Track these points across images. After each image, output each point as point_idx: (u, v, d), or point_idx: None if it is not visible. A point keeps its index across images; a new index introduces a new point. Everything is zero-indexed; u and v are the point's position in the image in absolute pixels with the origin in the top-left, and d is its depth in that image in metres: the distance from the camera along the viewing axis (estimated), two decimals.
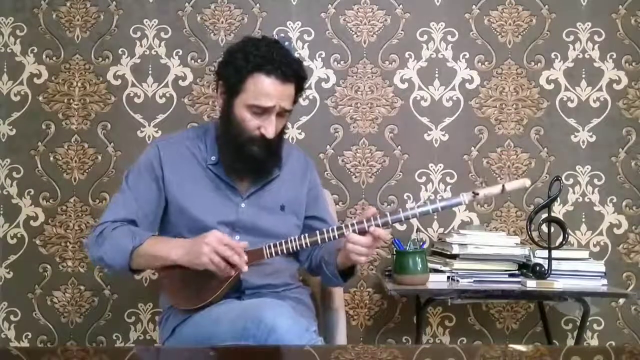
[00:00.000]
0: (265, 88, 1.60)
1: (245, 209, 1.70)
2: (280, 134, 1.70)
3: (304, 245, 1.58)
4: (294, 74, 1.64)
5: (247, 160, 1.65)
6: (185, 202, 1.68)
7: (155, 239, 1.64)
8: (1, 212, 2.30)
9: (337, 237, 1.56)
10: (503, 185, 1.53)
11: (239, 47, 1.66)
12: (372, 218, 1.54)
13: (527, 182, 1.58)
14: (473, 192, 1.53)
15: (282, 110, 1.64)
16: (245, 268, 1.53)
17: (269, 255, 1.59)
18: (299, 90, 1.69)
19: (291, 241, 1.58)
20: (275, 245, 1.58)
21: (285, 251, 1.59)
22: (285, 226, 1.73)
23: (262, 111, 1.62)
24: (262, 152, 1.64)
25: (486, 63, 2.35)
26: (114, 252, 1.61)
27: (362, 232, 1.54)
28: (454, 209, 2.31)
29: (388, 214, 1.55)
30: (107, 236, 1.63)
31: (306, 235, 1.59)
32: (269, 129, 1.62)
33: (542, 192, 2.28)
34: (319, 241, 1.57)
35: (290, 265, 1.78)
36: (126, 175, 1.74)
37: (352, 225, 1.54)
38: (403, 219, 1.56)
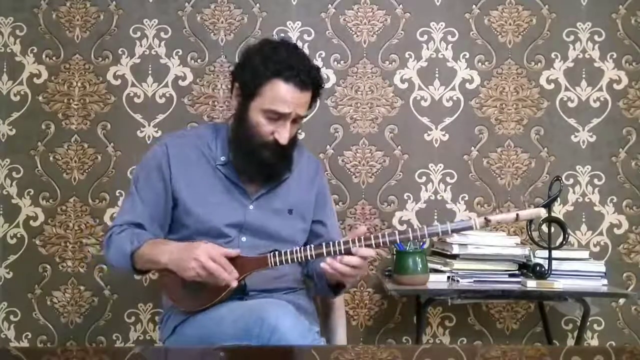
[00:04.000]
0: (283, 94, 1.59)
1: (253, 211, 1.69)
2: (294, 138, 1.69)
3: (309, 257, 1.55)
4: (312, 81, 1.63)
5: (258, 164, 1.65)
6: (193, 202, 1.67)
7: (153, 242, 1.63)
8: (1, 212, 2.30)
9: (342, 251, 1.53)
10: (517, 214, 1.54)
11: (257, 50, 1.65)
12: (380, 235, 1.52)
13: (541, 211, 1.60)
14: (485, 219, 1.53)
15: (297, 117, 1.64)
16: (234, 284, 1.51)
17: (273, 265, 1.56)
18: (315, 96, 1.69)
19: (296, 252, 1.55)
20: (280, 254, 1.55)
21: (290, 261, 1.56)
22: (292, 230, 1.72)
23: (277, 117, 1.61)
24: (273, 157, 1.64)
25: (486, 63, 2.34)
26: (118, 255, 1.65)
27: (347, 252, 1.52)
28: (453, 209, 2.31)
29: (396, 233, 1.54)
30: (113, 240, 1.66)
31: (312, 246, 1.56)
32: (283, 135, 1.61)
33: (542, 192, 2.28)
34: (325, 254, 1.54)
35: (294, 270, 1.77)
36: (135, 176, 1.75)
37: (360, 240, 1.52)
38: (412, 238, 1.54)
